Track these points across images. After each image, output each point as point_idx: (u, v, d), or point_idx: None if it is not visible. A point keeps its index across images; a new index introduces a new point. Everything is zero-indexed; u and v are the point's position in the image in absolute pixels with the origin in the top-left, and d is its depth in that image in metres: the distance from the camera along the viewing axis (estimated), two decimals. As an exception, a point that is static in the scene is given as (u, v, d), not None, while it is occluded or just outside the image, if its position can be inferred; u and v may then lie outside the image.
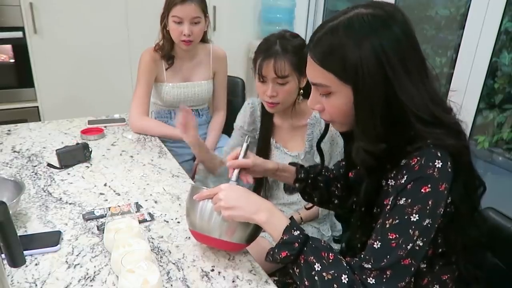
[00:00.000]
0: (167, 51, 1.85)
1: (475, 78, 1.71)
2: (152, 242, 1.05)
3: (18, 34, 2.36)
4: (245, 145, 1.08)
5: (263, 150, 1.49)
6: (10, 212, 0.72)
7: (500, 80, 1.93)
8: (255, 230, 0.96)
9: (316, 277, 0.80)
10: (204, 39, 1.95)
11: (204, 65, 1.96)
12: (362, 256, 0.81)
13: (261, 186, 1.53)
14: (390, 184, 0.84)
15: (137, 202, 1.23)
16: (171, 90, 1.90)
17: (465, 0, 1.92)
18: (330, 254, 0.82)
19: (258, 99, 1.52)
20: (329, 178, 1.16)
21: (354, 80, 0.78)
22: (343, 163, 1.10)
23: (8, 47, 2.38)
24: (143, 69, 1.85)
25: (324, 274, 0.79)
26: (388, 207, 0.80)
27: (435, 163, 0.76)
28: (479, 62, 1.70)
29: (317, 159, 1.41)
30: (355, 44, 0.76)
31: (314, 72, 0.83)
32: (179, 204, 1.24)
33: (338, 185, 1.14)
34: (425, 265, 0.87)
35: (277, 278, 1.26)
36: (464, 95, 1.74)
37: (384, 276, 0.77)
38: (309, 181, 1.14)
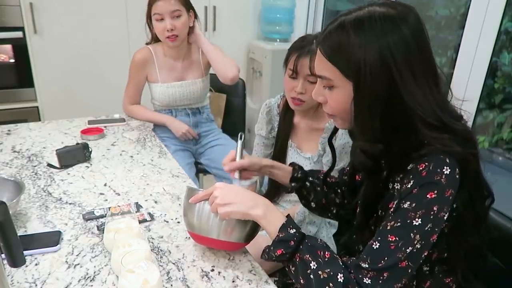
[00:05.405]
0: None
1: (475, 78, 1.71)
2: (152, 242, 1.05)
3: (18, 34, 2.36)
4: (239, 144, 1.09)
5: (281, 148, 1.50)
6: (10, 212, 0.72)
7: (500, 80, 1.92)
8: (253, 229, 0.96)
9: (311, 276, 0.80)
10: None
11: (196, 63, 1.98)
12: (360, 255, 0.81)
13: (277, 194, 1.54)
14: (396, 187, 0.83)
15: (137, 202, 1.23)
16: (165, 90, 1.92)
17: (465, 0, 1.92)
18: (326, 253, 0.81)
19: (275, 99, 1.54)
20: (330, 183, 1.15)
21: (355, 77, 0.78)
22: (347, 169, 1.10)
23: (8, 47, 2.38)
24: (132, 69, 1.93)
25: (319, 272, 0.79)
26: (392, 209, 0.80)
27: (443, 170, 0.75)
28: (479, 62, 1.70)
29: (324, 160, 1.41)
30: (362, 44, 0.76)
31: (321, 64, 0.84)
32: (179, 204, 1.23)
33: (339, 191, 1.14)
34: (428, 268, 0.87)
35: (277, 279, 1.26)
36: (464, 95, 1.75)
37: (381, 277, 0.77)
38: (307, 183, 1.14)
